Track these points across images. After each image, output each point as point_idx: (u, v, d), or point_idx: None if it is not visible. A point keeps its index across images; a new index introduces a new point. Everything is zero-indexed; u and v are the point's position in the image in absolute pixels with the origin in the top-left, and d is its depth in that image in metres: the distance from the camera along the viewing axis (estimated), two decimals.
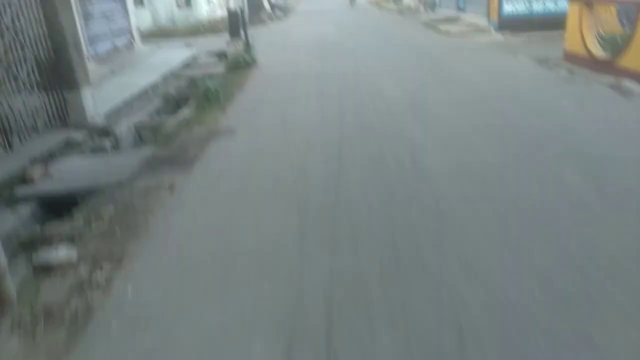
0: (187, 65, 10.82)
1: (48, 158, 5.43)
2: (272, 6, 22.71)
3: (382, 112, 6.29)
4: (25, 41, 5.82)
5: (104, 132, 6.38)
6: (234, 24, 9.69)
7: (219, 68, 9.94)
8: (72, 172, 5.18)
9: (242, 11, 9.54)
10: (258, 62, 9.83)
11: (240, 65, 9.10)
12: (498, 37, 12.22)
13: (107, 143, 6.16)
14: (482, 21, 13.74)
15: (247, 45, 9.88)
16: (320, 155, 4.91)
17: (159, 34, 19.58)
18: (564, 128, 5.21)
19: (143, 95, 7.99)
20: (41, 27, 5.96)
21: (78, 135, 6.05)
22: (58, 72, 6.16)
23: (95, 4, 9.51)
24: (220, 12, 20.19)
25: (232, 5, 9.52)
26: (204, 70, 10.18)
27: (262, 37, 15.09)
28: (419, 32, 14.33)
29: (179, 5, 20.10)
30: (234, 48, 9.70)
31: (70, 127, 6.23)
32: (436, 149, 4.85)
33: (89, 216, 4.11)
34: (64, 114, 6.31)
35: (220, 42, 15.40)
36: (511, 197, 3.75)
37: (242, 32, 10.14)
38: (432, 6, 19.24)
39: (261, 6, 21.22)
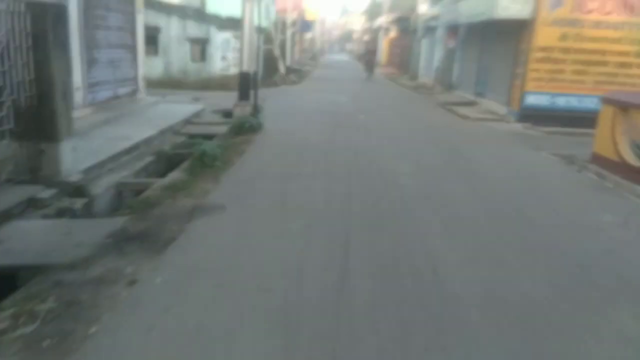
0: (189, 121, 10.24)
1: (1, 218, 4.60)
2: (288, 70, 22.76)
3: (397, 204, 5.51)
4: (6, 84, 5.18)
5: (78, 191, 5.59)
6: (244, 85, 9.13)
7: (223, 128, 9.32)
8: (22, 240, 4.33)
9: (255, 73, 9.03)
10: (265, 128, 9.24)
11: (244, 129, 8.44)
12: (517, 127, 11.73)
13: (77, 205, 5.35)
14: (500, 109, 13.36)
15: (255, 109, 9.29)
16: (320, 257, 4.06)
17: (169, 84, 19.42)
18: (612, 254, 4.38)
19: (134, 150, 7.28)
20: (28, 71, 5.35)
21: (46, 193, 5.25)
22: (38, 121, 5.46)
23: (103, 51, 9.09)
24: (234, 70, 20.09)
25: (245, 65, 8.98)
26: (205, 129, 9.59)
27: (273, 101, 14.72)
28: (435, 113, 13.92)
29: (193, 59, 20.07)
30: (241, 110, 9.10)
31: (41, 183, 5.45)
32: (462, 265, 4.00)
33: (19, 311, 3.22)
34: (36, 168, 5.54)
35: (229, 100, 14.97)
36: None
37: (251, 95, 9.57)
38: (450, 87, 19.10)
39: (276, 69, 21.20)
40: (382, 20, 49.51)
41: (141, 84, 11.58)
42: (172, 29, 20.04)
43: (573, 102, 12.02)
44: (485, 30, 15.08)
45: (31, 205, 5.05)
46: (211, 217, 4.91)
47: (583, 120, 11.80)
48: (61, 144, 5.56)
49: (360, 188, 5.99)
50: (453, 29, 18.38)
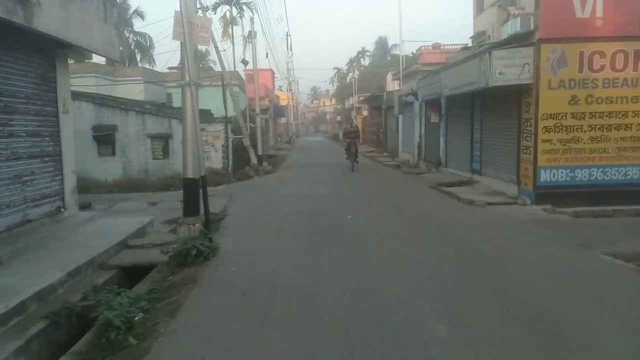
0: (127, 244, 7.84)
1: None
2: (262, 158, 20.86)
3: None
4: None
5: None
6: (191, 196, 6.69)
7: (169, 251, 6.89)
8: None
9: (204, 177, 6.72)
10: (220, 252, 6.60)
11: (190, 259, 5.96)
12: (537, 210, 9.63)
13: None
14: (507, 188, 11.36)
15: (208, 225, 6.84)
16: None
17: (128, 186, 17.21)
18: None
19: (13, 316, 4.77)
20: None
21: None
22: None
23: (2, 165, 6.86)
24: None
25: (190, 169, 6.67)
26: (145, 256, 7.18)
27: (241, 199, 12.48)
28: (433, 199, 11.75)
29: (155, 156, 18.04)
30: (187, 230, 6.65)
31: None
32: None
33: None
34: None
35: None
36: None
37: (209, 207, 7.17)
38: (437, 165, 17.30)
39: (248, 159, 19.28)
40: (354, 100, 49.64)
41: (70, 199, 9.25)
42: (130, 126, 18.16)
43: (596, 175, 10.08)
44: (475, 100, 13.51)
45: None
46: None
47: (611, 195, 9.88)
48: None
49: None
50: (434, 102, 16.94)
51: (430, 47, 28.50)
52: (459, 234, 7.86)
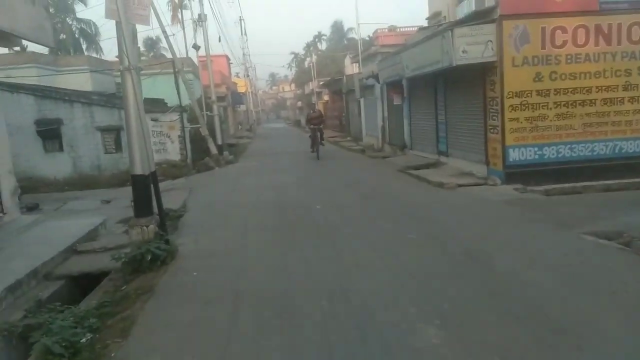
0: (76, 250, 7.09)
1: None
2: (222, 147, 19.99)
3: None
4: None
5: None
6: (142, 194, 5.95)
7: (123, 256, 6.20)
8: None
9: (154, 173, 6.01)
10: (179, 255, 5.95)
11: (145, 265, 5.33)
12: (508, 190, 9.46)
13: None
14: (475, 168, 11.19)
15: (163, 226, 6.14)
16: None
17: (79, 183, 16.07)
18: None
19: None
20: None
21: None
22: None
23: None
24: (157, 157, 17.12)
25: (138, 165, 5.91)
26: (97, 262, 6.47)
27: (201, 193, 11.78)
28: (402, 183, 11.45)
29: (107, 150, 16.93)
30: (140, 233, 5.94)
31: None
32: None
33: None
34: None
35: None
36: None
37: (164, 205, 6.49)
38: (402, 147, 17.05)
39: (207, 149, 18.41)
40: (313, 85, 48.94)
41: (9, 202, 8.35)
42: (77, 119, 16.93)
43: (564, 152, 10.00)
44: (438, 80, 13.24)
45: None
46: None
47: (580, 171, 9.83)
48: None
49: None
50: (396, 84, 16.61)
51: (387, 30, 28.31)
52: (434, 219, 7.54)
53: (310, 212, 8.51)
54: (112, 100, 17.57)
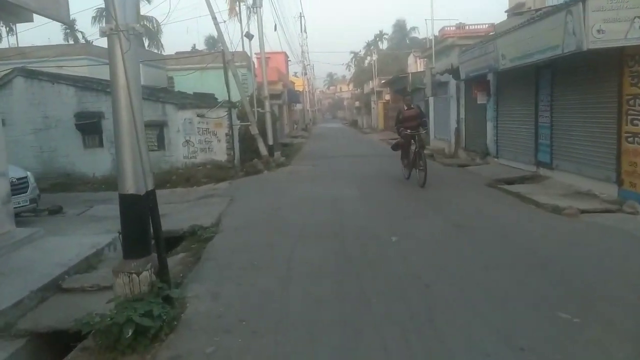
0: (60, 286, 5.19)
1: None
2: (274, 147, 18.00)
3: None
4: None
5: None
6: (134, 222, 3.81)
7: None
8: None
9: (152, 192, 3.81)
10: (187, 316, 3.85)
11: (121, 344, 3.19)
12: None
13: None
14: (597, 187, 8.43)
15: (163, 273, 3.88)
16: None
17: (115, 182, 14.57)
18: None
19: None
20: None
21: None
22: None
23: None
24: (202, 156, 15.42)
25: (129, 177, 3.77)
26: (81, 305, 4.49)
27: (241, 206, 9.68)
28: (495, 202, 8.75)
29: (149, 147, 15.35)
30: (129, 284, 3.74)
31: None
32: None
33: None
34: None
35: (188, 205, 10.08)
36: None
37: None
38: (484, 155, 14.28)
39: (256, 149, 16.48)
40: (374, 84, 46.36)
41: (4, 212, 6.64)
42: None
43: None
44: (542, 73, 10.47)
45: None
46: None
47: None
48: None
49: None
50: (480, 80, 13.88)
51: (454, 28, 25.68)
52: (570, 271, 4.98)
53: (383, 248, 6.08)
54: (156, 93, 16.04)
